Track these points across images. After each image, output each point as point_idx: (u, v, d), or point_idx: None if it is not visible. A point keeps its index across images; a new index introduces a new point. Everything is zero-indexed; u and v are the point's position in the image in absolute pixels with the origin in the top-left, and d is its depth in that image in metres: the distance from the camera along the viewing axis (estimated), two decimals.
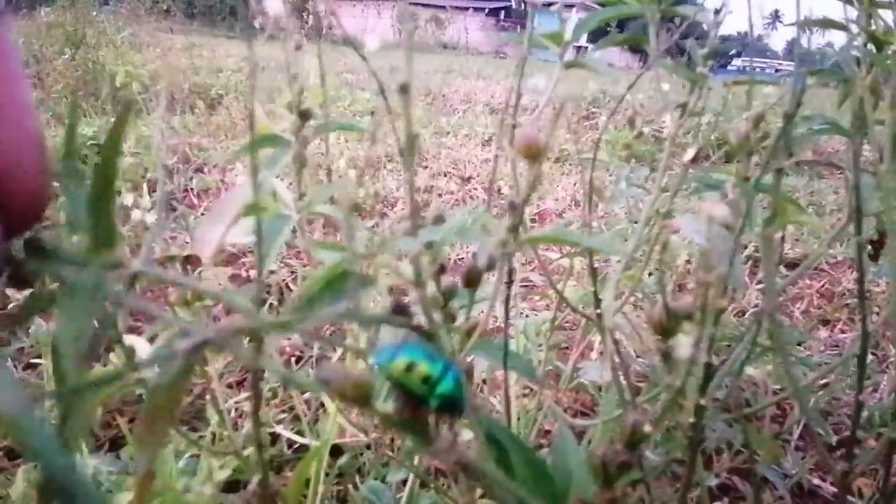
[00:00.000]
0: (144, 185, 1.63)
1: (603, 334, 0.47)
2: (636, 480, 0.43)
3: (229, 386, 0.90)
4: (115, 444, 0.78)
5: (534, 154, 0.22)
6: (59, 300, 0.14)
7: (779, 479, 0.70)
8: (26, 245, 0.15)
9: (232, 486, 0.67)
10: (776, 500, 0.75)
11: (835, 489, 0.72)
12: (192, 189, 1.75)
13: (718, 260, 0.38)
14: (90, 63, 2.63)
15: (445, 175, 2.03)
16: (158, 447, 0.17)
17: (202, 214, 1.59)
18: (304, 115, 0.47)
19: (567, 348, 0.99)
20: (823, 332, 1.14)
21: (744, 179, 0.35)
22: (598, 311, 0.49)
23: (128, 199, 1.13)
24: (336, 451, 0.76)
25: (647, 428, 0.26)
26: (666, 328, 0.28)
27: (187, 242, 1.45)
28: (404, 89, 0.20)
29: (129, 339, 0.34)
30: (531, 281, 0.96)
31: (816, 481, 0.76)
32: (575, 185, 1.88)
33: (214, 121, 2.38)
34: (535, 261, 1.24)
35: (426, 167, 2.12)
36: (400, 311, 0.23)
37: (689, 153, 0.39)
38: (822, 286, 1.27)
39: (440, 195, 1.84)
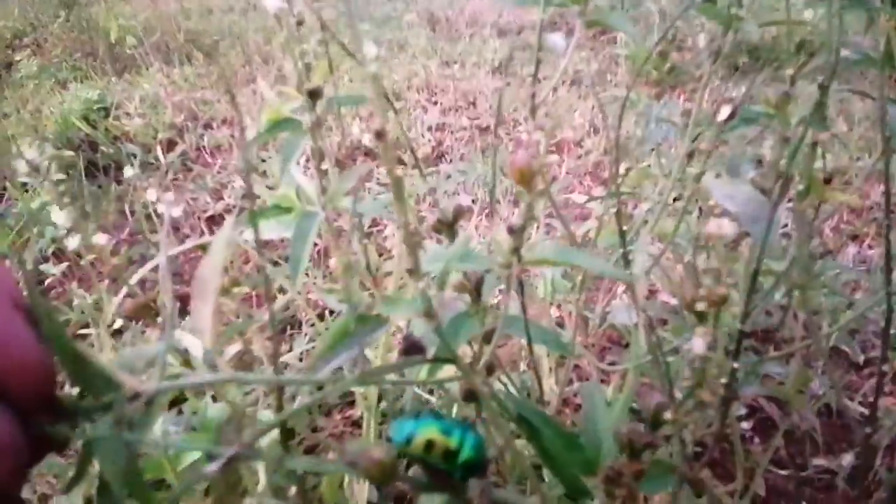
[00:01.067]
0: (158, 148, 1.63)
1: (634, 296, 0.48)
2: (668, 436, 0.45)
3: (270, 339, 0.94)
4: (176, 401, 0.83)
5: (528, 179, 0.22)
6: (95, 448, 0.15)
7: (806, 400, 0.73)
8: (50, 412, 0.15)
9: (287, 433, 0.72)
10: (802, 420, 0.78)
11: (862, 409, 0.74)
12: (204, 147, 1.74)
13: (752, 226, 0.38)
14: (84, 22, 2.55)
15: (456, 110, 1.98)
16: None
17: (218, 173, 1.59)
18: (314, 95, 0.46)
19: (590, 288, 1.00)
20: (852, 249, 1.13)
21: (783, 139, 0.34)
22: (629, 272, 0.49)
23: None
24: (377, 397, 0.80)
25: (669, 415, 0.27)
26: (699, 311, 0.29)
27: (208, 202, 1.46)
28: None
29: (184, 339, 0.35)
30: (553, 227, 0.95)
31: (844, 401, 0.78)
32: (593, 108, 1.81)
33: (215, 70, 2.32)
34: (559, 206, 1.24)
35: (436, 103, 2.06)
36: (413, 348, 0.23)
37: (724, 112, 0.37)
38: None
39: (452, 132, 1.80)
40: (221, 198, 1.48)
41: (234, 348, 0.64)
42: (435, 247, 0.44)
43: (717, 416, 0.46)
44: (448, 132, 1.78)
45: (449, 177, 1.45)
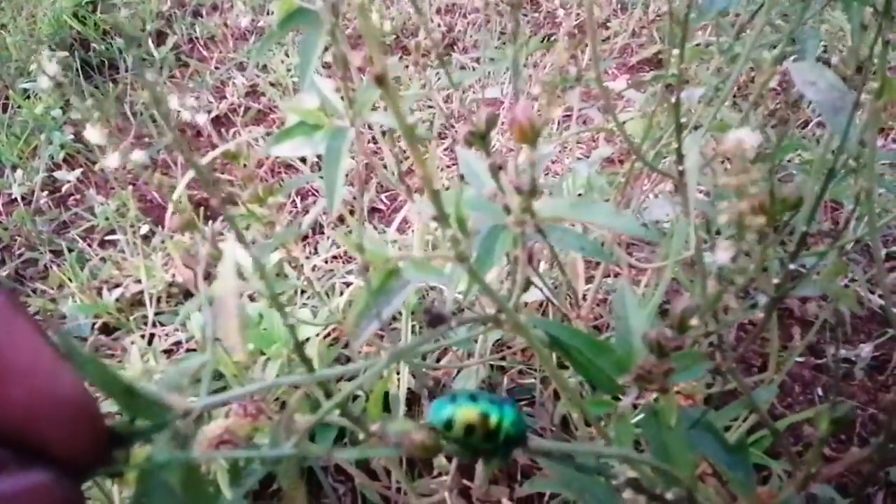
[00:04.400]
0: (149, 41, 1.53)
1: (684, 192, 0.46)
2: (709, 332, 0.46)
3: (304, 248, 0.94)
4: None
5: (529, 136, 0.22)
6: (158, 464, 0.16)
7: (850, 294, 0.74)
8: (105, 449, 0.16)
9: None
10: (821, 309, 0.80)
11: (882, 302, 0.76)
12: (197, 38, 1.63)
13: (833, 117, 0.35)
14: None
15: None
16: None
17: (216, 69, 1.50)
18: None
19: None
20: (879, 141, 1.10)
21: (861, 27, 0.31)
22: (681, 167, 0.47)
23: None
24: None
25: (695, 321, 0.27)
26: (769, 213, 0.28)
27: (211, 101, 1.39)
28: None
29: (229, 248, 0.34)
30: (590, 118, 0.91)
31: (872, 297, 0.79)
32: None
33: None
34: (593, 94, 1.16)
35: None
36: (437, 319, 0.23)
37: None
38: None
39: (464, 15, 1.68)
40: (224, 96, 1.41)
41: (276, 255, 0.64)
42: (468, 155, 0.42)
43: (765, 312, 0.46)
44: (459, 15, 1.65)
45: (462, 68, 1.37)
